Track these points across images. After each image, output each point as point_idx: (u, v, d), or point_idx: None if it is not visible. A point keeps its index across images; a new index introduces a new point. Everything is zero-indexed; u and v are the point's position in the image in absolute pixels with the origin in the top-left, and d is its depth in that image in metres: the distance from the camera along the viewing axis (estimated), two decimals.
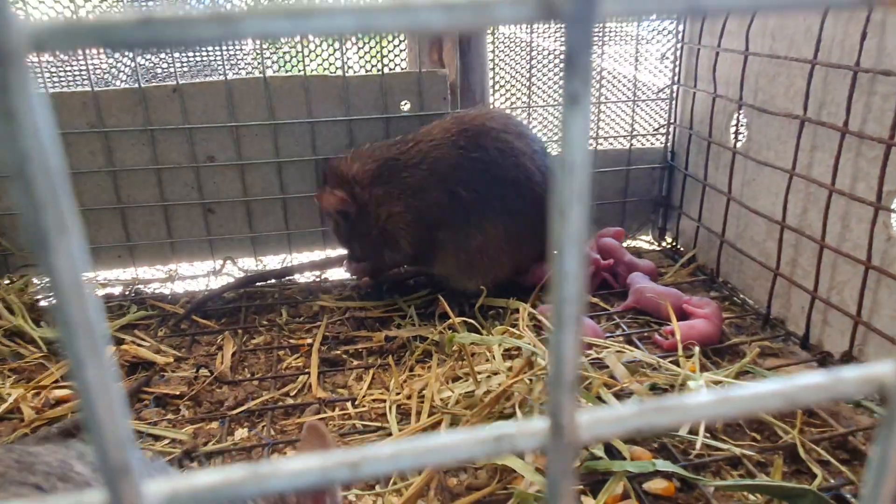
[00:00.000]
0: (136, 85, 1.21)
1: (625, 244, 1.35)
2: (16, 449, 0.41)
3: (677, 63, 1.39)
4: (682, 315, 1.08)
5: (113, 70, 1.32)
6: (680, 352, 0.96)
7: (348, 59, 1.37)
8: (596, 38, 1.42)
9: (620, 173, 1.45)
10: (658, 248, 1.47)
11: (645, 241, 1.51)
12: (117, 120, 1.23)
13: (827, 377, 0.14)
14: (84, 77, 1.27)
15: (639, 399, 0.85)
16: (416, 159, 1.12)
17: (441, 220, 1.13)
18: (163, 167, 1.27)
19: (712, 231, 1.29)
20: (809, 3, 0.12)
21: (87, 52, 1.16)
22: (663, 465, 0.76)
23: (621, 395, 0.89)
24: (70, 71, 1.29)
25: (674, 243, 1.46)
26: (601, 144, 1.43)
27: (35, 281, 1.26)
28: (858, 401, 0.87)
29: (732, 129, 1.21)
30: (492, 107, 1.23)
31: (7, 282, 1.24)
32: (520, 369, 0.83)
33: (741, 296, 1.21)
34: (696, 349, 0.93)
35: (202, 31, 0.09)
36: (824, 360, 0.98)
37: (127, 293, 1.28)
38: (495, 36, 1.32)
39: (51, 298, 0.10)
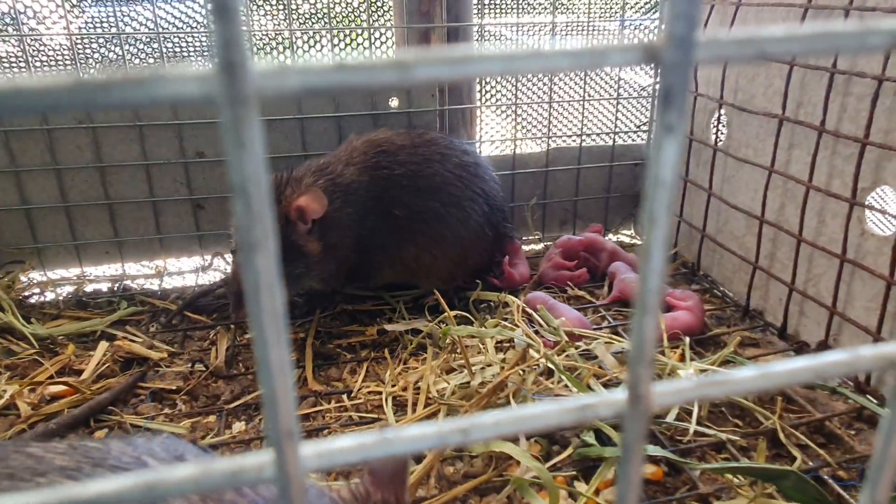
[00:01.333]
0: None
1: (607, 239, 1.39)
2: (79, 445, 0.42)
3: None
4: (666, 307, 1.12)
5: (99, 65, 1.31)
6: (665, 342, 0.99)
7: (336, 55, 1.38)
8: (580, 37, 1.45)
9: (604, 169, 1.48)
10: (640, 243, 1.51)
11: (627, 236, 1.55)
12: (105, 115, 1.22)
13: (849, 354, 0.16)
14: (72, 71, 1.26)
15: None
16: (350, 186, 1.11)
17: (378, 242, 1.13)
18: (151, 163, 1.27)
19: (693, 226, 1.33)
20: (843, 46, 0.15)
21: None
22: (652, 450, 0.79)
23: (610, 385, 0.92)
24: (56, 65, 1.28)
25: None
26: (585, 141, 1.46)
27: (21, 278, 1.25)
28: (834, 388, 0.91)
29: (713, 127, 1.25)
30: (390, 129, 1.22)
31: None
32: (515, 361, 0.86)
33: (721, 288, 1.26)
34: (687, 339, 0.97)
35: (383, 75, 0.11)
36: (801, 349, 1.03)
37: (115, 289, 1.28)
38: (482, 34, 1.34)
39: (250, 291, 0.11)
